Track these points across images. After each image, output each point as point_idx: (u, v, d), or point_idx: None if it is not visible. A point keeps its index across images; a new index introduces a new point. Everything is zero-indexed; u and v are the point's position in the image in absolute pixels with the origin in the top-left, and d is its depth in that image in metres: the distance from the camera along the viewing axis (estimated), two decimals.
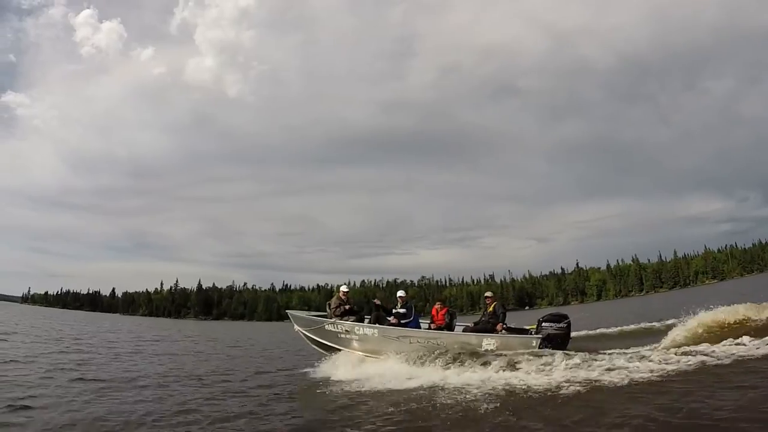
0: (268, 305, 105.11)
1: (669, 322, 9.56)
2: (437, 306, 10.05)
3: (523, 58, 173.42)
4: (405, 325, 9.56)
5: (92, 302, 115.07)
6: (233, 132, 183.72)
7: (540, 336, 8.66)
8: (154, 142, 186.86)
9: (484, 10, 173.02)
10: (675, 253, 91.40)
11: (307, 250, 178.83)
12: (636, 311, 24.65)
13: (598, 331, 11.41)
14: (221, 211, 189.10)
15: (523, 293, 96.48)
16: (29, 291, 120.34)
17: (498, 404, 6.07)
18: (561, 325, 8.93)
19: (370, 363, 9.16)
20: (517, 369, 7.63)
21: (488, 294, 10.20)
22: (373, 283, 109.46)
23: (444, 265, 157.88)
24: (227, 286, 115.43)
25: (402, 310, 9.81)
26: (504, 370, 7.64)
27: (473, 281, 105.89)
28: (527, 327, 9.57)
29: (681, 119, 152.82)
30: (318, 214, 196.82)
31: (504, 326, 9.23)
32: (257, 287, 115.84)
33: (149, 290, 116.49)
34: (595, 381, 6.51)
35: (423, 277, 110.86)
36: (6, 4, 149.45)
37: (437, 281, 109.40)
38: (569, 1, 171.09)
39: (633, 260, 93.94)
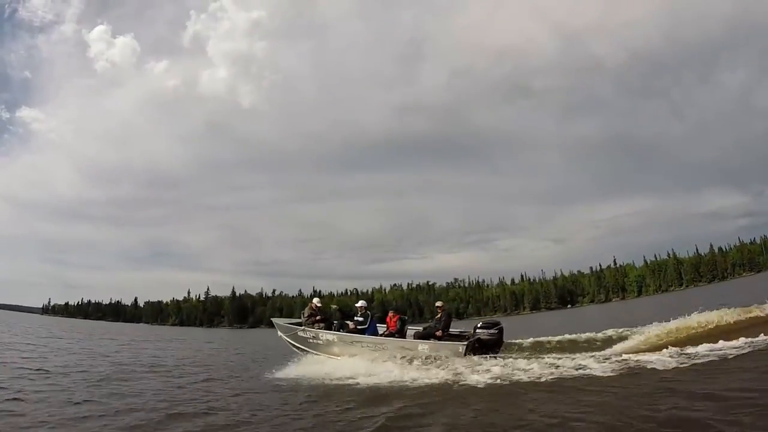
0: None
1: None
2: (391, 314, 11.90)
3: (536, 58, 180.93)
4: (361, 332, 11.59)
5: (115, 312, 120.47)
6: (249, 140, 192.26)
7: (465, 343, 10.00)
8: (171, 153, 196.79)
9: (494, 11, 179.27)
10: (711, 246, 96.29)
11: (324, 257, 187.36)
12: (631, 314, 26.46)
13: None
14: (239, 219, 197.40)
15: (564, 291, 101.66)
16: (49, 302, 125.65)
17: (416, 398, 7.49)
18: (493, 331, 10.65)
19: (328, 362, 11.11)
20: (440, 369, 9.16)
21: (439, 303, 12.17)
22: (408, 286, 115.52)
23: (460, 268, 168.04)
24: (257, 293, 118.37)
25: (360, 319, 11.96)
26: (427, 370, 9.23)
27: (511, 281, 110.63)
28: (466, 332, 11.29)
29: (695, 113, 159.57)
30: (334, 220, 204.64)
31: (444, 333, 10.93)
32: (284, 294, 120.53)
33: (176, 299, 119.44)
34: (515, 381, 7.64)
35: (455, 279, 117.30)
36: (18, 22, 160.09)
37: (472, 281, 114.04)
38: None
39: (669, 255, 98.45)
